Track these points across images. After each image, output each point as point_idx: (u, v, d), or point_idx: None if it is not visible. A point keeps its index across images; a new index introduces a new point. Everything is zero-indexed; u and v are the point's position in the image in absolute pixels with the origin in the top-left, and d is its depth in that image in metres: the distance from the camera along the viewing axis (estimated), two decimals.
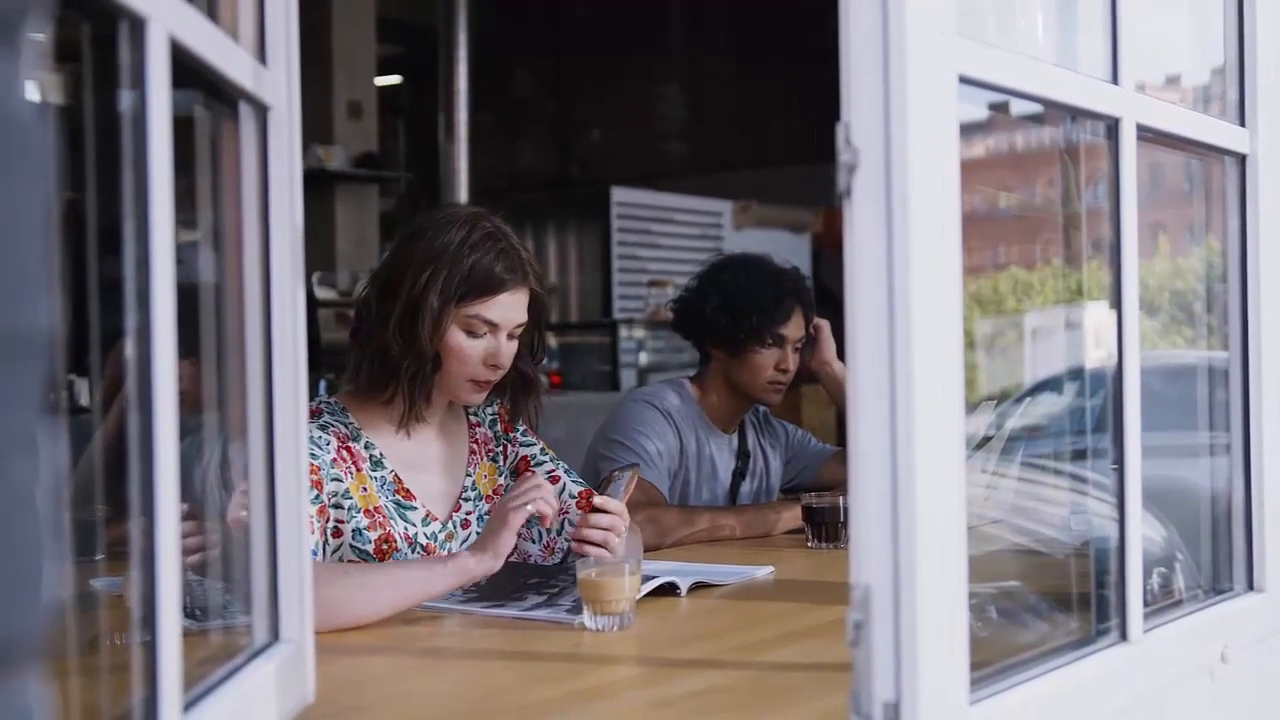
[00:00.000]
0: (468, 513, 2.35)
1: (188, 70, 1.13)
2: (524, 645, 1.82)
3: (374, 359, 2.23)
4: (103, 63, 1.04)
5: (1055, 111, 1.62)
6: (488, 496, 2.39)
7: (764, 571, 2.37)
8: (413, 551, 2.23)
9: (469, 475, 2.38)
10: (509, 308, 2.23)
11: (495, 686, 1.64)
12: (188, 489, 1.10)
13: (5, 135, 0.53)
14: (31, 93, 0.56)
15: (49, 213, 0.57)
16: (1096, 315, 1.91)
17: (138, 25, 1.01)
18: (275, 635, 1.39)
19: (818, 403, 6.79)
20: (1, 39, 0.53)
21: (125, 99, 1.04)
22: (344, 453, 2.19)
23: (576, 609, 1.93)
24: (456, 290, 2.19)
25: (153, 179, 1.02)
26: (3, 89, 0.53)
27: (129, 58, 1.02)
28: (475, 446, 2.41)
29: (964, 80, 1.26)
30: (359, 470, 2.22)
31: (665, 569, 2.21)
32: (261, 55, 1.37)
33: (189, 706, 1.11)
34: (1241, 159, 1.84)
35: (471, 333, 2.22)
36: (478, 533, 2.32)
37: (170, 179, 1.05)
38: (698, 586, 2.20)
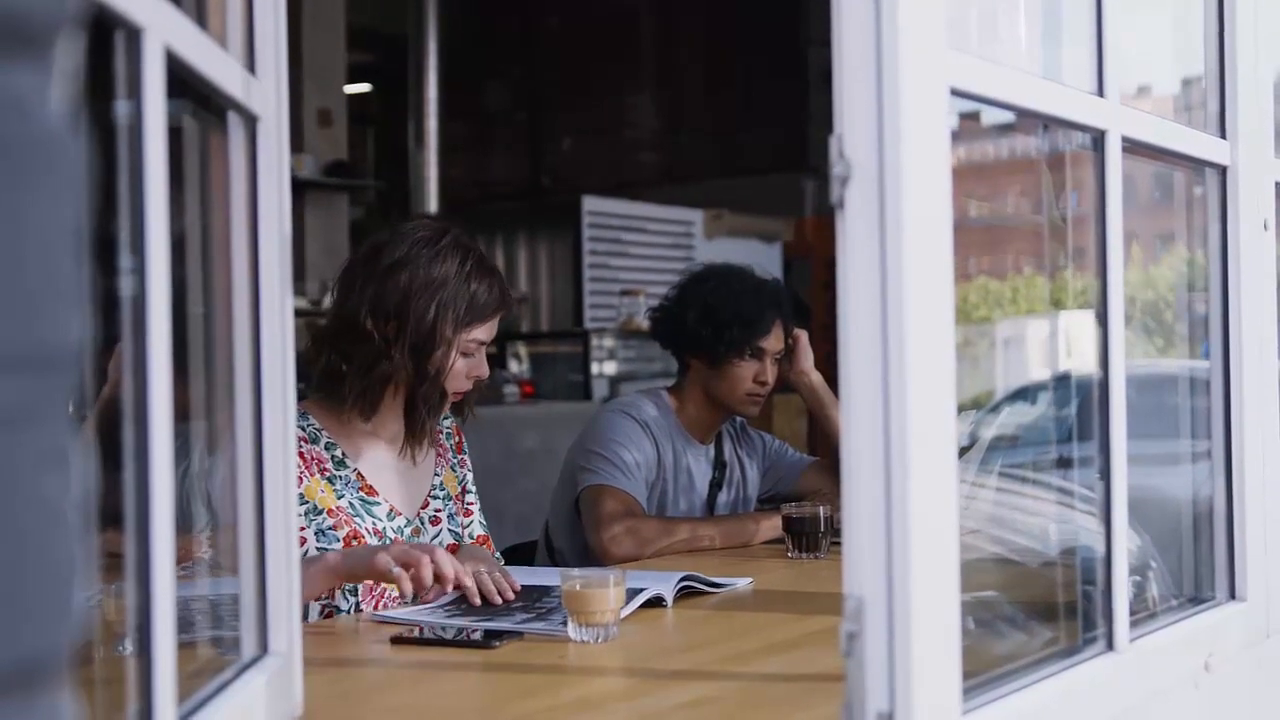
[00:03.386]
0: (436, 510, 2.44)
1: (178, 80, 1.12)
2: (510, 658, 1.82)
3: (380, 383, 2.29)
4: (96, 72, 1.03)
5: (1027, 121, 1.63)
6: (456, 497, 2.48)
7: (744, 583, 2.37)
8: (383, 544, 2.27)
9: (437, 475, 2.46)
10: (495, 326, 2.38)
11: (483, 699, 1.64)
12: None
13: (38, 150, 0.53)
14: (62, 107, 0.56)
15: (80, 227, 0.56)
16: (1069, 325, 1.93)
17: (134, 35, 1.00)
18: (264, 648, 1.38)
19: (788, 412, 6.80)
20: (32, 54, 0.53)
21: (119, 108, 1.03)
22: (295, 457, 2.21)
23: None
24: (464, 319, 2.30)
25: (148, 188, 1.02)
26: (35, 104, 0.53)
27: (124, 67, 1.01)
28: (440, 450, 2.50)
29: (955, 92, 1.27)
30: (313, 474, 2.27)
31: (648, 578, 2.21)
32: (251, 65, 1.36)
33: None
34: (1222, 170, 1.85)
35: (466, 354, 2.34)
36: (449, 529, 2.43)
37: (166, 188, 1.04)
38: (685, 592, 2.21)
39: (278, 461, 1.40)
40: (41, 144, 0.54)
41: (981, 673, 1.36)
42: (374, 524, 2.30)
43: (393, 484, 2.37)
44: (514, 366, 7.62)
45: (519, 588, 2.15)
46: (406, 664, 1.82)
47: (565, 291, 8.37)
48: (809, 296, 7.45)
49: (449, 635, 1.91)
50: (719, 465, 3.19)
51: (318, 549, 2.21)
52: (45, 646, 0.54)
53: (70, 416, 0.56)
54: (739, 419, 3.25)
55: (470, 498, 2.54)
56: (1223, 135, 1.86)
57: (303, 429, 2.28)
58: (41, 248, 0.53)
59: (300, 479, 2.22)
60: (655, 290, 7.01)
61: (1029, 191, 1.99)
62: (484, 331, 2.34)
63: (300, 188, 7.54)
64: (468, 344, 2.32)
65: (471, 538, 2.44)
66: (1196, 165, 1.87)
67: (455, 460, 2.53)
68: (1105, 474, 1.56)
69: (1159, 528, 1.96)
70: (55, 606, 0.54)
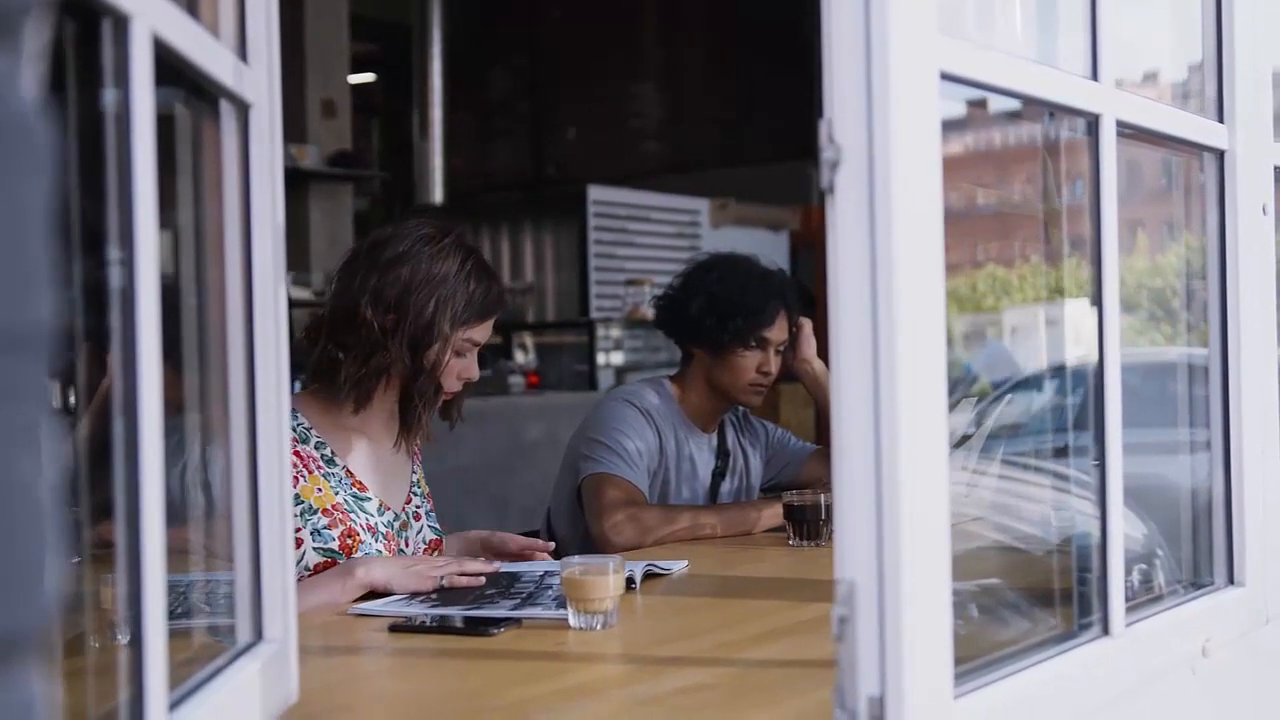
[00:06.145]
0: (417, 506, 2.48)
1: (168, 68, 1.12)
2: (507, 645, 1.82)
3: (375, 375, 2.31)
4: (84, 60, 1.03)
5: (1034, 108, 1.63)
6: (428, 496, 2.53)
7: (679, 566, 2.40)
8: (375, 540, 2.32)
9: (414, 473, 2.51)
10: (490, 329, 2.41)
11: (480, 685, 1.64)
12: (167, 490, 1.10)
13: (8, 132, 0.53)
14: (33, 90, 0.56)
15: (51, 209, 0.57)
16: (1075, 313, 1.92)
17: (121, 23, 1.00)
18: (259, 635, 1.39)
19: (795, 401, 6.80)
20: (2, 37, 0.53)
21: (107, 97, 1.03)
22: (292, 457, 2.23)
23: (561, 604, 1.93)
24: (461, 317, 2.32)
25: (136, 177, 1.02)
26: (5, 87, 0.53)
27: (112, 55, 1.01)
28: (416, 450, 2.53)
29: (946, 77, 1.27)
30: (311, 472, 2.29)
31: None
32: (243, 53, 1.36)
33: (174, 706, 1.11)
34: (1220, 155, 1.85)
35: (458, 353, 2.36)
36: (429, 526, 2.48)
37: (154, 177, 1.04)
38: (649, 576, 2.27)
39: (272, 449, 1.40)
40: (11, 127, 0.54)
41: (976, 657, 1.36)
42: (366, 520, 2.33)
43: (379, 480, 2.40)
44: (519, 357, 7.62)
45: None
46: (403, 651, 1.83)
47: (570, 281, 8.37)
48: (816, 286, 7.44)
49: (445, 622, 1.92)
50: (722, 454, 3.19)
51: (315, 549, 2.23)
52: (17, 624, 0.54)
53: (44, 397, 0.57)
54: (742, 408, 3.25)
55: (426, 503, 2.58)
56: (1220, 119, 1.85)
57: (292, 429, 2.29)
58: (11, 229, 0.53)
59: (296, 479, 2.24)
60: (661, 280, 7.00)
61: (1036, 179, 1.98)
62: (479, 332, 2.36)
63: (304, 178, 7.54)
64: (462, 343, 2.34)
65: (424, 542, 2.46)
66: (1194, 150, 1.86)
67: (420, 463, 2.57)
68: (1100, 459, 1.56)
69: (1163, 514, 1.96)
70: (27, 585, 0.54)
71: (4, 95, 0.53)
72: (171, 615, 1.15)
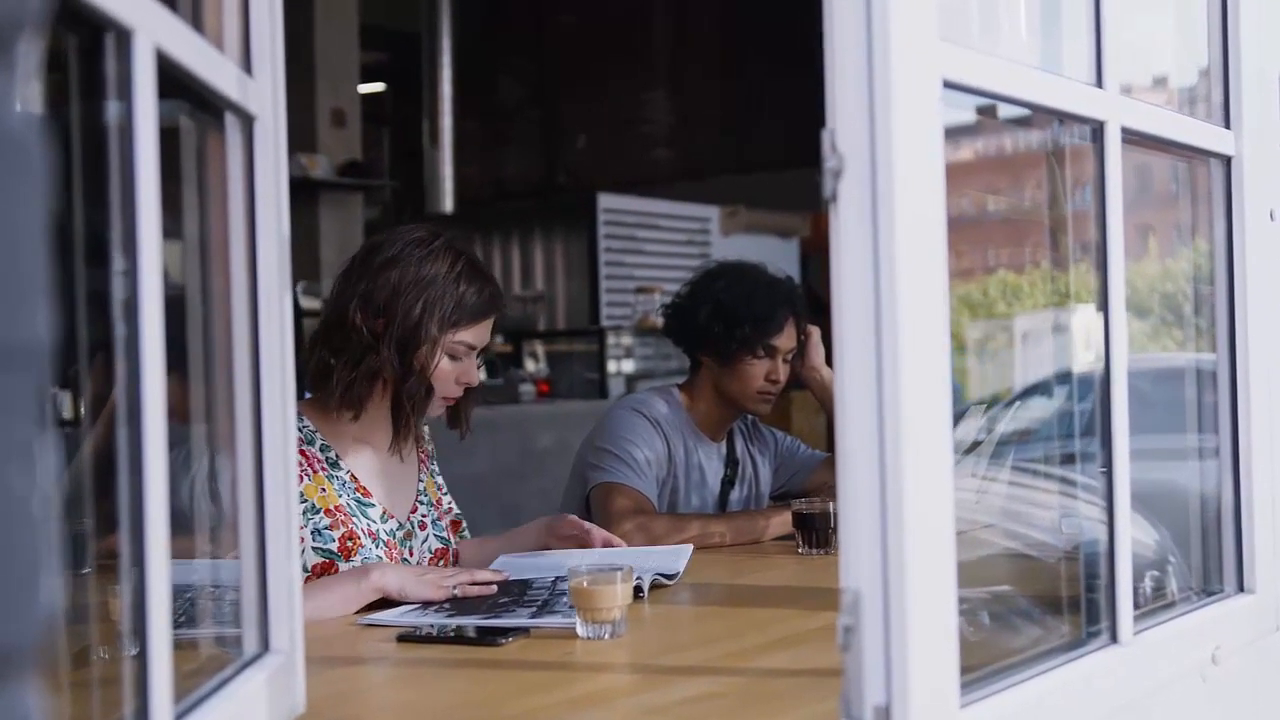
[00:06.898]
0: (423, 515, 2.48)
1: (172, 80, 1.12)
2: (516, 654, 1.82)
3: (367, 379, 2.31)
4: (88, 73, 1.04)
5: (1042, 115, 1.63)
6: (435, 503, 2.52)
7: (685, 550, 2.44)
8: (376, 546, 2.32)
9: (420, 481, 2.50)
10: (487, 331, 2.39)
11: (488, 695, 1.64)
12: (175, 502, 1.10)
13: (3, 147, 0.53)
14: (27, 105, 0.56)
15: (46, 224, 0.57)
16: (1085, 318, 1.92)
17: (124, 36, 1.01)
18: (265, 646, 1.39)
19: (807, 409, 6.79)
20: None
21: (111, 109, 1.03)
22: (297, 456, 2.24)
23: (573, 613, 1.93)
24: (450, 318, 2.31)
25: (140, 190, 1.02)
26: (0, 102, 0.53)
27: (115, 69, 1.02)
28: (423, 457, 2.53)
29: (948, 85, 1.27)
30: (315, 473, 2.30)
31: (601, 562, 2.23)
32: (247, 65, 1.37)
33: (180, 717, 1.11)
34: (1227, 161, 1.84)
35: (453, 356, 2.35)
36: (434, 535, 2.48)
37: (157, 190, 1.04)
38: (656, 586, 2.26)
39: (278, 460, 1.40)
40: (6, 141, 0.54)
41: (983, 666, 1.35)
42: (368, 525, 2.33)
43: (383, 487, 2.40)
44: (530, 365, 7.62)
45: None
46: (412, 661, 1.82)
47: (581, 289, 8.36)
48: (826, 293, 7.42)
49: (454, 633, 1.92)
50: (731, 462, 3.19)
51: (314, 549, 2.24)
52: (12, 639, 0.54)
53: (40, 412, 0.57)
54: (750, 416, 3.25)
55: (448, 501, 2.59)
56: (1227, 125, 1.85)
57: (299, 431, 2.30)
58: (7, 244, 0.53)
59: (300, 478, 2.24)
60: (671, 288, 6.99)
61: (1046, 185, 1.98)
62: (472, 335, 2.35)
63: (314, 188, 7.55)
64: (454, 345, 2.33)
65: (430, 552, 2.47)
66: (1201, 156, 1.86)
67: (433, 468, 2.57)
68: (1108, 466, 1.55)
69: (1173, 521, 1.95)
70: (20, 600, 0.54)
71: None
72: (177, 624, 1.15)
